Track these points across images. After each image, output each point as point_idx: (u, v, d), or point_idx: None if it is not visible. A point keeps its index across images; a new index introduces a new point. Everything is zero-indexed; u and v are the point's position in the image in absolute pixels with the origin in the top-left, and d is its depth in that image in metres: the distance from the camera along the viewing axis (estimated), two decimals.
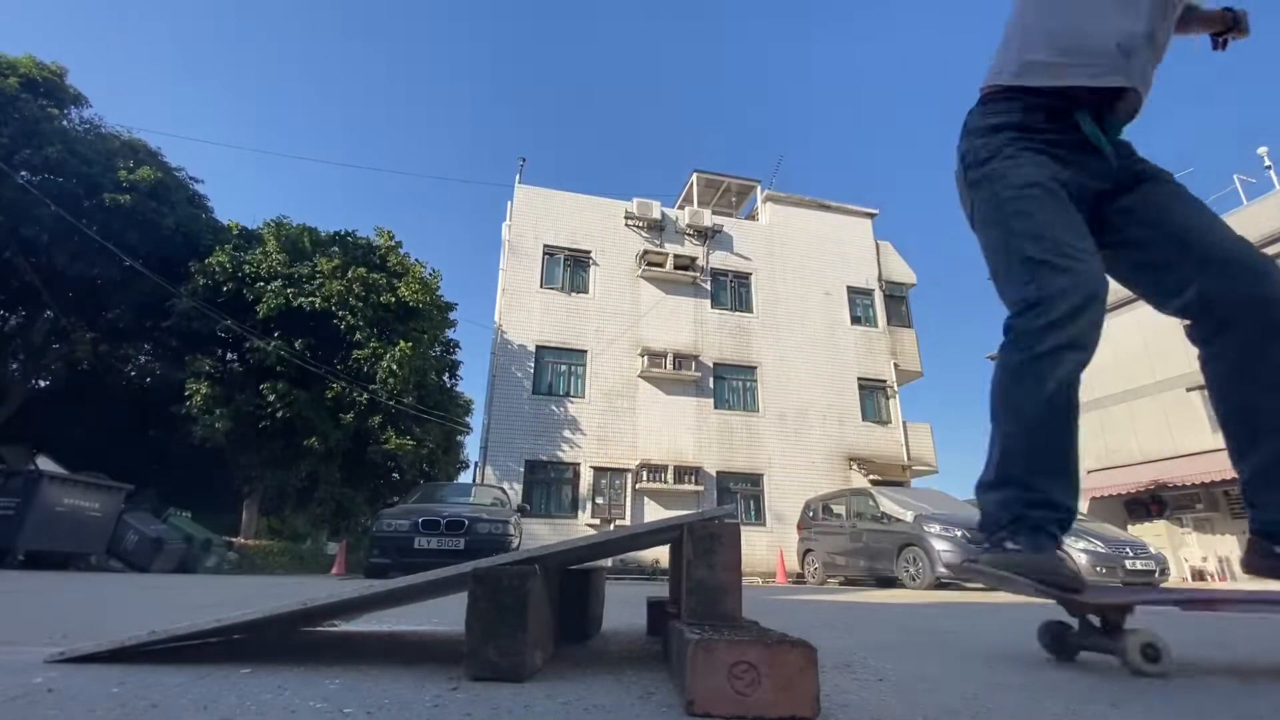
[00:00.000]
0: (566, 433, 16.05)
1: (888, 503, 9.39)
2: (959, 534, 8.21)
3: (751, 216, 21.41)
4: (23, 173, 13.42)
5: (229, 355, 15.78)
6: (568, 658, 1.37)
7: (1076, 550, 8.78)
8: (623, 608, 3.29)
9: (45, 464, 8.60)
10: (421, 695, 0.91)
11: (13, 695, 0.82)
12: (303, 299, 14.37)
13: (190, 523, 10.87)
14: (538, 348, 16.63)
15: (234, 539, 12.69)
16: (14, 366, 16.30)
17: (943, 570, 7.94)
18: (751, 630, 0.97)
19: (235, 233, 15.89)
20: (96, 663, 1.07)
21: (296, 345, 14.20)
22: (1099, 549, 8.69)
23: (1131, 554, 8.72)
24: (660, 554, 13.34)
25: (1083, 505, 16.27)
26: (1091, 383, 18.08)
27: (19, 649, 1.22)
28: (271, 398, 13.65)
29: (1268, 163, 16.08)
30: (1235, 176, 16.81)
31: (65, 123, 14.85)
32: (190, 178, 16.86)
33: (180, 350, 14.65)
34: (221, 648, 1.36)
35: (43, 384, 17.20)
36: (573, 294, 17.52)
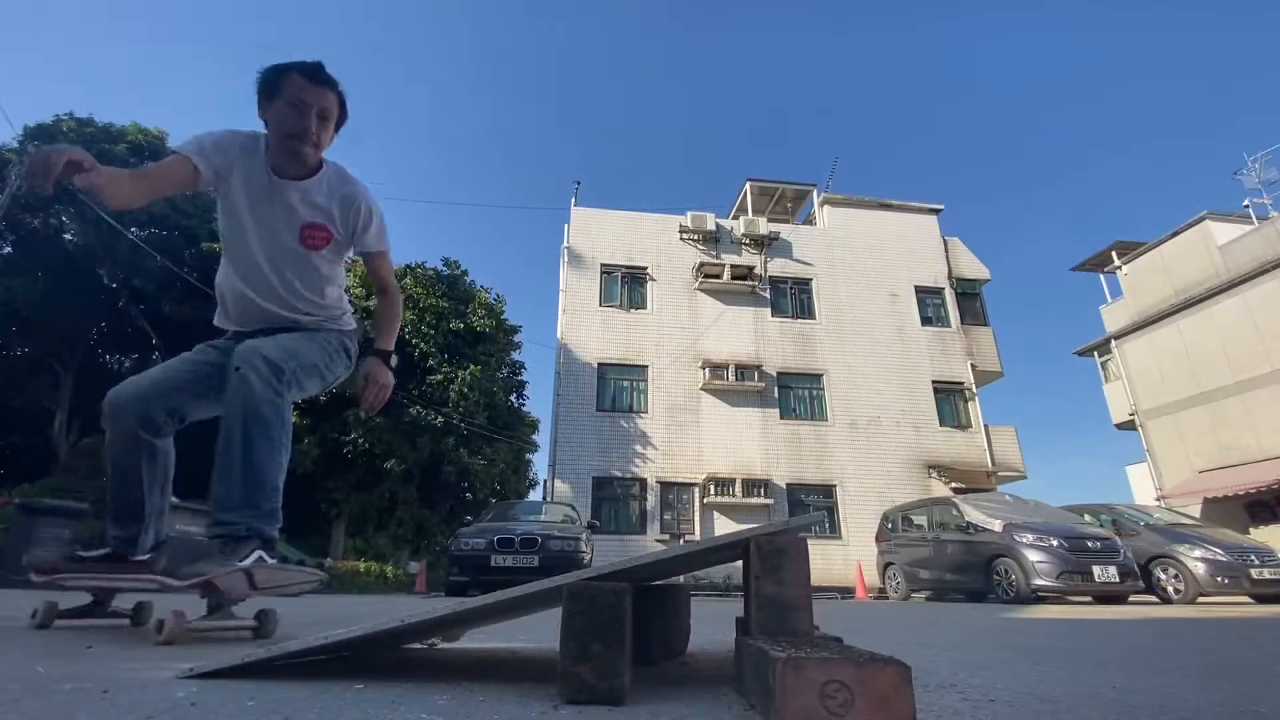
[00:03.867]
0: (632, 448, 16.11)
1: (974, 512, 8.90)
2: (1055, 543, 7.69)
3: (809, 221, 21.03)
4: (132, 229, 14.85)
5: None
6: (659, 676, 1.36)
7: (1193, 559, 8.05)
8: (699, 625, 3.25)
9: None
10: (527, 712, 0.93)
11: (162, 709, 0.89)
12: None
13: (285, 545, 11.54)
14: (599, 365, 16.82)
15: (325, 560, 13.38)
16: None
17: (1039, 583, 7.45)
18: (835, 648, 0.95)
19: None
20: (222, 678, 1.15)
21: None
22: (1219, 557, 7.91)
23: (1257, 561, 7.89)
24: (734, 570, 13.11)
25: (1195, 509, 14.93)
26: (1198, 376, 16.77)
27: (155, 664, 1.32)
28: (354, 424, 14.39)
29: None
30: (1237, 175, 15.22)
31: None
32: None
33: None
34: (331, 664, 1.43)
35: None
36: (631, 310, 17.67)
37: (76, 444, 14.87)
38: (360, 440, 14.29)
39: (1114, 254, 20.49)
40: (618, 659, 1.00)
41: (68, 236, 15.46)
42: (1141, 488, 19.39)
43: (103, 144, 15.15)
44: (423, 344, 15.27)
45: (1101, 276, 21.24)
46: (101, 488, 12.76)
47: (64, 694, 0.99)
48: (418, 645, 1.88)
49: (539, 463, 24.59)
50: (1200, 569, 7.89)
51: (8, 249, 15.48)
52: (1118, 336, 19.67)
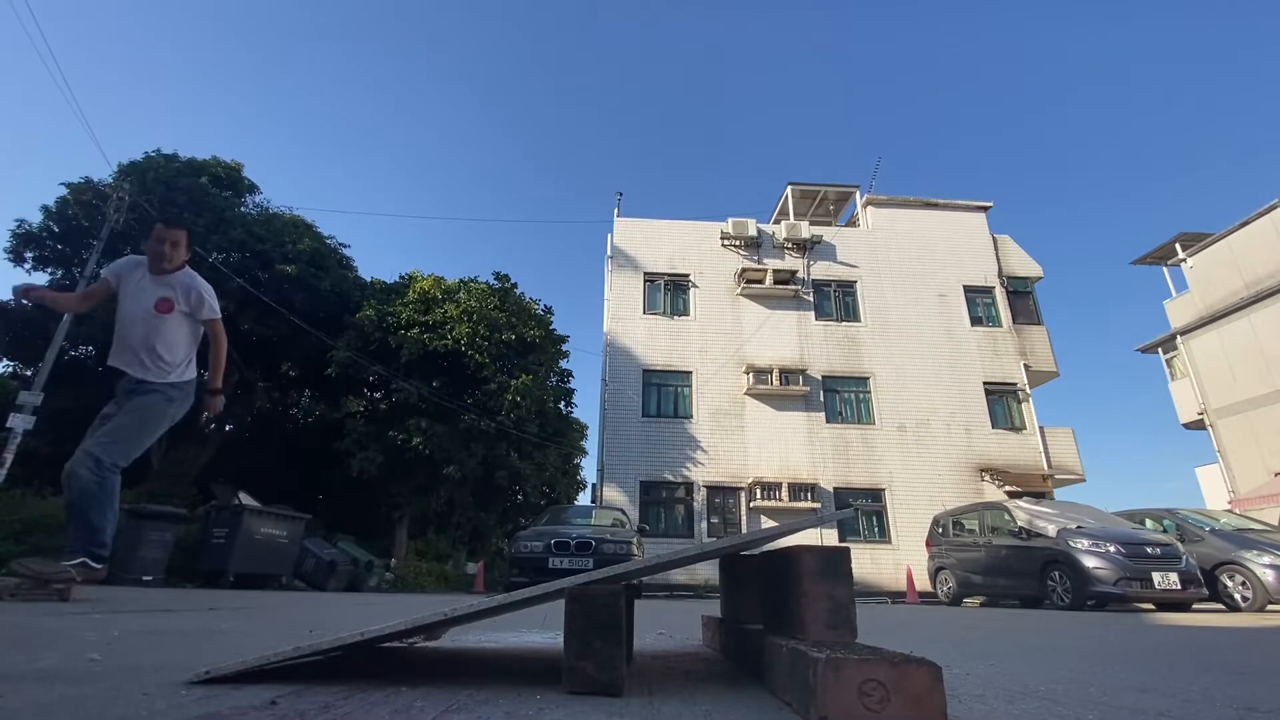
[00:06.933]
0: (678, 453, 16.34)
1: (1026, 516, 8.78)
2: (1112, 549, 7.55)
3: (852, 223, 20.78)
4: (214, 254, 16.05)
5: (377, 395, 17.68)
6: (642, 671, 1.50)
7: (1261, 565, 7.75)
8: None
9: (246, 499, 10.20)
10: (528, 706, 1.02)
11: (162, 709, 0.96)
12: (436, 342, 15.87)
13: (355, 546, 12.30)
14: (645, 372, 17.12)
15: (390, 560, 14.13)
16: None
17: (1096, 589, 7.34)
18: (869, 649, 0.99)
19: (378, 288, 17.90)
20: (227, 683, 1.16)
21: (434, 384, 15.70)
22: None
23: None
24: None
25: (1272, 513, 14.03)
26: (1273, 372, 15.78)
27: (156, 664, 1.39)
28: (415, 431, 15.12)
29: None
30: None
31: (243, 209, 17.59)
32: (340, 244, 19.25)
33: (338, 394, 16.65)
34: (333, 664, 1.48)
35: (229, 429, 20.12)
36: (675, 317, 17.91)
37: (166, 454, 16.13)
38: (421, 446, 15.01)
39: (1178, 246, 19.44)
40: (618, 654, 1.09)
41: None
42: (1213, 490, 18.29)
43: (186, 178, 16.45)
44: (478, 355, 15.90)
45: (1165, 270, 20.18)
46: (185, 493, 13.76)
47: (65, 694, 1.00)
48: (421, 644, 1.98)
49: (587, 466, 25.06)
50: (1269, 576, 7.57)
51: None
52: (1184, 332, 18.67)
